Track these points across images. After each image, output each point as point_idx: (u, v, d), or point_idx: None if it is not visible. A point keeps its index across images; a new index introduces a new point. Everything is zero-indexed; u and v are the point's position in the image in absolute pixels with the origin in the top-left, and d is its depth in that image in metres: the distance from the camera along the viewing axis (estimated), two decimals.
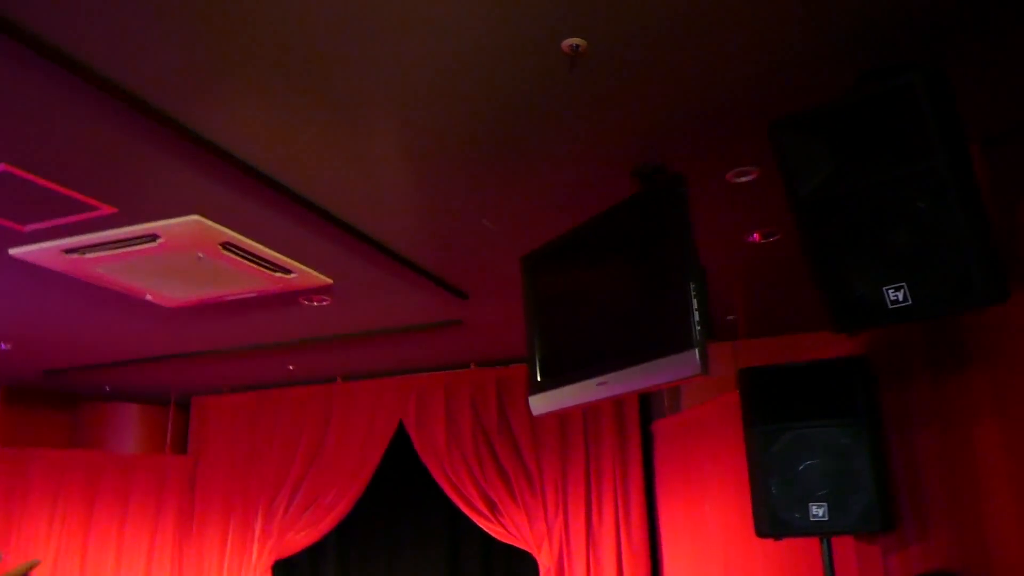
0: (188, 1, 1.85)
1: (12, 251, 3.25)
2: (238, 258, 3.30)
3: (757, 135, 2.45)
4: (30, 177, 2.63)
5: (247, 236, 3.18)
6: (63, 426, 6.78)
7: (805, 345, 4.24)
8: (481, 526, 5.55)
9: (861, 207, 2.12)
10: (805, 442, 2.96)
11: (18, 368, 5.55)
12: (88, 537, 6.15)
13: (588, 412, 5.43)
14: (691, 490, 4.61)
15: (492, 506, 5.54)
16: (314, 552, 6.15)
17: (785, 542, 3.32)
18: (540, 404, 2.99)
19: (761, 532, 3.05)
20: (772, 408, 3.06)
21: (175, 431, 6.87)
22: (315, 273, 3.63)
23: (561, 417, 5.44)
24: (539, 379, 2.98)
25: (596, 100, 2.32)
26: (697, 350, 2.31)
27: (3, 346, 4.89)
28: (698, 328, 2.33)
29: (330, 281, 3.76)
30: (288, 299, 4.05)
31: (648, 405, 5.42)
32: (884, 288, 2.10)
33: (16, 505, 5.91)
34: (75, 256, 3.24)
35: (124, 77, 2.11)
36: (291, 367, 5.75)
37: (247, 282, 3.63)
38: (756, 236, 3.41)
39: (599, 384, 2.67)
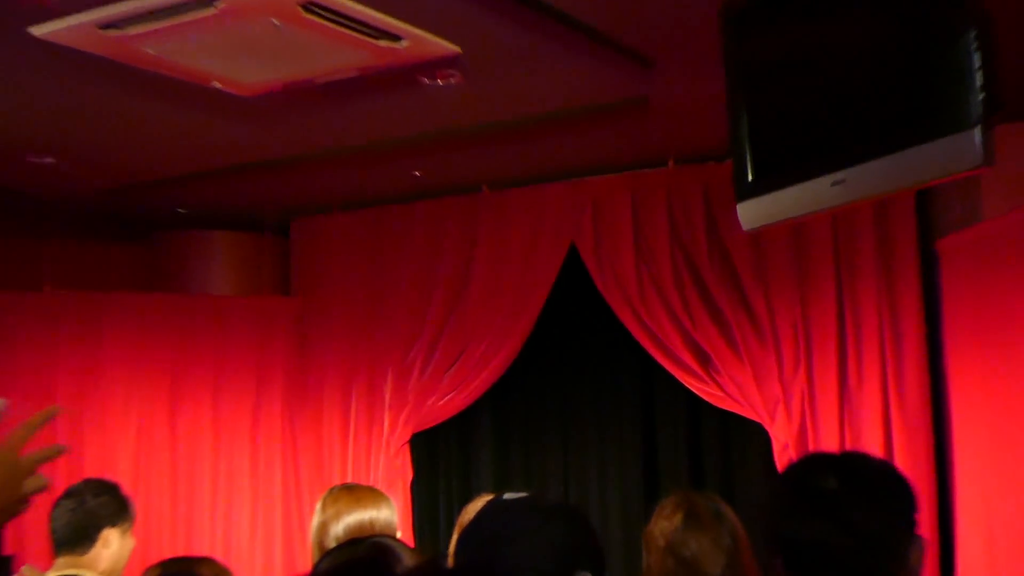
0: None
1: (35, 30, 3.51)
2: (327, 22, 3.43)
3: None
4: None
5: None
6: (137, 264, 7.38)
7: None
8: (689, 387, 5.74)
9: None
10: None
11: (67, 188, 6.07)
12: (177, 407, 6.72)
13: (839, 228, 5.35)
14: (996, 337, 4.53)
15: (704, 360, 5.68)
16: (463, 423, 6.57)
17: None
18: (753, 214, 3.02)
19: None
20: None
21: (274, 265, 7.35)
22: (435, 39, 3.72)
23: (797, 234, 5.41)
24: (750, 179, 3.01)
25: None
26: (978, 130, 2.26)
27: (45, 160, 5.35)
28: (980, 98, 2.26)
29: (458, 49, 3.84)
30: (405, 79, 4.18)
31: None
32: None
33: (89, 363, 6.50)
34: (116, 33, 3.47)
35: None
36: (418, 173, 5.98)
37: (344, 56, 3.77)
38: None
39: (835, 183, 2.66)
